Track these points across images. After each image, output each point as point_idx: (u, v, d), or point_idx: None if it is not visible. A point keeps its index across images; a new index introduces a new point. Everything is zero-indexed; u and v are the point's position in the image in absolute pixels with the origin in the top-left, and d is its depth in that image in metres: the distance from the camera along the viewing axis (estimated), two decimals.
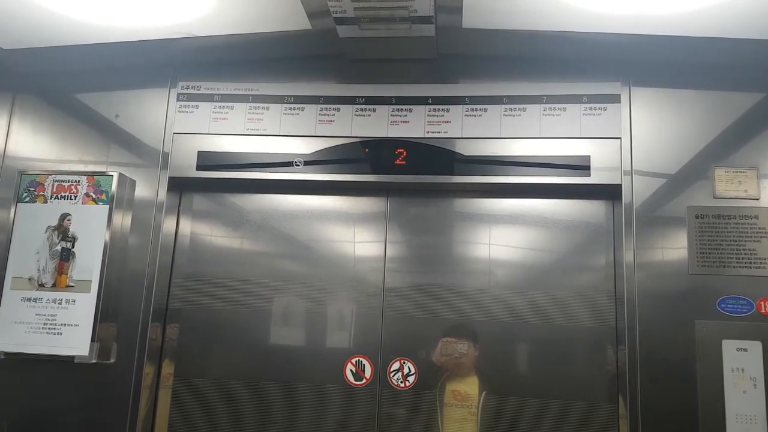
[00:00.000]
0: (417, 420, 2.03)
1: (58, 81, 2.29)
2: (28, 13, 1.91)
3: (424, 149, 2.08)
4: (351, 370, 2.06)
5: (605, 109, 2.03)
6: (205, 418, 2.09)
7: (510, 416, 1.99)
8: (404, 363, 2.05)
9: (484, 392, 2.02)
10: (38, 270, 2.08)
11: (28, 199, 2.14)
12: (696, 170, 1.96)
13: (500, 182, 2.04)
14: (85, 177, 2.13)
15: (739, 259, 1.88)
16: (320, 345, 2.13)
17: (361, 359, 2.07)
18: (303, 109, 2.16)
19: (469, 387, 2.03)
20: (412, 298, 2.10)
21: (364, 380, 2.05)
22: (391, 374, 2.05)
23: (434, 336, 2.07)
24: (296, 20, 1.91)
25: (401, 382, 2.04)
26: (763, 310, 1.83)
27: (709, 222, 1.91)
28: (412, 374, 2.04)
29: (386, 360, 2.06)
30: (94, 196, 2.11)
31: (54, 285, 2.07)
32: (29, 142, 2.26)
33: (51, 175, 2.15)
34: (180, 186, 2.23)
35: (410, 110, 2.11)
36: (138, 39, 2.06)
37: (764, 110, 1.97)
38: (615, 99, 2.04)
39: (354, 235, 2.19)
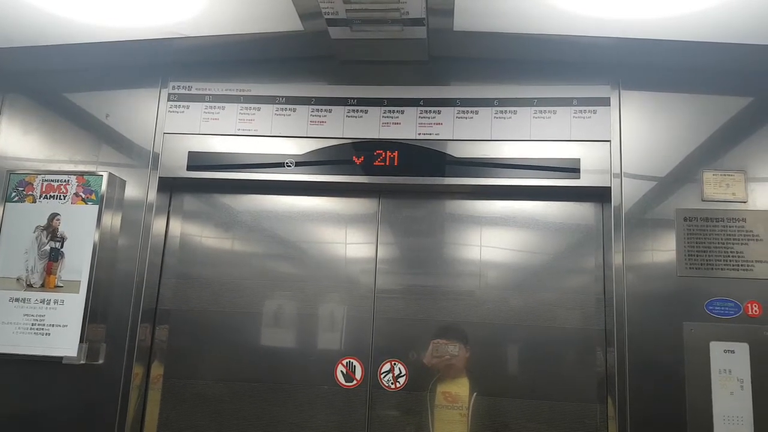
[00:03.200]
0: (407, 421, 2.03)
1: (48, 80, 2.28)
2: (18, 12, 1.90)
3: (416, 151, 2.08)
4: (342, 372, 2.06)
5: (595, 112, 2.05)
6: (194, 419, 2.08)
7: (500, 417, 1.99)
8: (395, 364, 2.05)
9: (474, 393, 2.02)
10: (27, 270, 2.07)
11: (16, 198, 2.13)
12: (684, 173, 1.97)
13: (491, 184, 2.05)
14: (75, 177, 2.12)
15: (726, 261, 1.90)
16: (311, 346, 2.13)
17: (351, 360, 2.07)
18: (295, 109, 2.16)
19: (460, 388, 2.03)
20: (403, 300, 2.11)
21: (355, 381, 2.05)
22: (382, 375, 2.05)
23: (425, 337, 2.07)
24: (288, 21, 1.91)
25: (392, 383, 2.04)
26: (750, 312, 1.85)
27: (697, 224, 1.93)
28: (403, 375, 2.04)
29: (377, 361, 2.06)
30: (83, 196, 2.10)
31: (42, 285, 2.05)
32: (18, 141, 2.25)
33: (40, 174, 2.14)
34: (170, 186, 2.22)
35: (402, 112, 2.12)
36: (129, 39, 2.05)
37: (752, 114, 1.99)
38: (605, 102, 2.05)
39: (345, 236, 2.19)
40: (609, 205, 1.99)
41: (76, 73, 2.27)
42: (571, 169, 2.01)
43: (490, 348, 2.06)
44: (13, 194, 2.13)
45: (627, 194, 1.98)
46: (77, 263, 2.04)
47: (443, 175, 2.06)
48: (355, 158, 2.09)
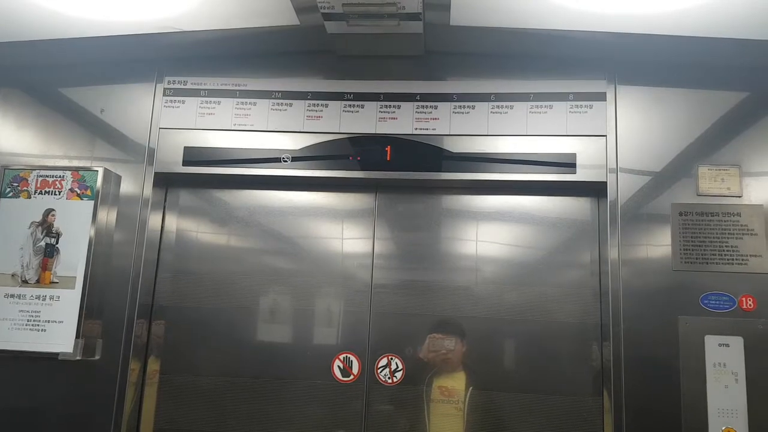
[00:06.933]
0: (404, 416, 2.04)
1: (43, 75, 2.26)
2: (13, 6, 1.88)
3: (412, 146, 2.08)
4: (338, 367, 2.06)
5: (591, 107, 2.05)
6: (191, 414, 2.08)
7: (496, 411, 2.00)
8: (392, 359, 2.06)
9: (470, 387, 2.03)
10: (22, 266, 2.06)
11: (11, 194, 2.12)
12: (680, 168, 1.98)
13: (487, 179, 2.05)
14: (70, 172, 2.11)
15: (721, 255, 1.91)
16: (308, 341, 2.13)
17: (348, 355, 2.07)
18: (291, 104, 2.15)
19: (456, 382, 2.04)
20: (399, 295, 2.11)
21: (352, 376, 2.06)
22: (379, 370, 2.05)
23: (422, 332, 2.08)
24: (284, 15, 1.90)
25: (389, 378, 2.05)
26: (744, 306, 1.86)
27: (692, 219, 1.94)
28: (400, 370, 2.05)
29: (374, 356, 2.06)
30: (78, 191, 2.09)
31: (38, 281, 2.05)
32: (13, 136, 2.23)
33: (35, 170, 2.13)
34: (166, 182, 2.21)
35: (398, 107, 2.12)
36: (124, 33, 2.04)
37: (747, 109, 2.00)
38: (601, 97, 2.06)
39: (342, 231, 2.19)
40: (605, 200, 2.00)
41: (70, 67, 2.25)
42: (567, 164, 2.01)
43: (487, 342, 2.06)
44: (8, 190, 2.12)
45: (623, 189, 1.98)
46: (73, 259, 2.04)
47: (440, 170, 2.06)
48: (351, 153, 2.09)
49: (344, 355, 2.07)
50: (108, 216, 2.10)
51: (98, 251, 2.05)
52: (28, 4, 1.87)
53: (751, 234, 1.91)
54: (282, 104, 2.15)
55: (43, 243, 2.07)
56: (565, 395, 1.98)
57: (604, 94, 2.06)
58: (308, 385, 2.07)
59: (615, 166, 2.00)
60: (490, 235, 2.15)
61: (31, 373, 2.02)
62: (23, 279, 2.05)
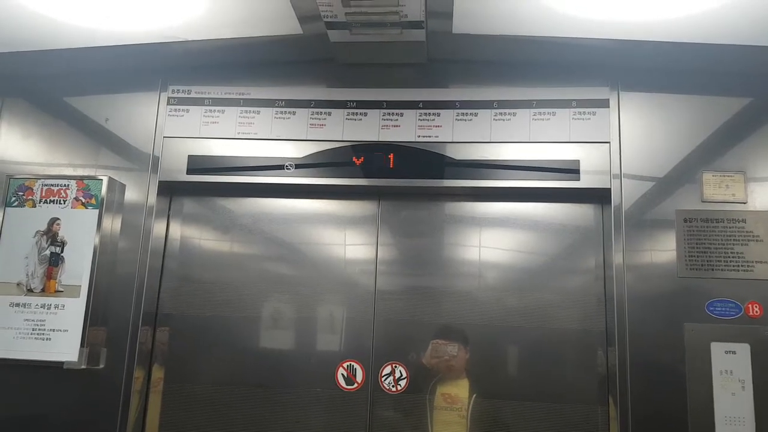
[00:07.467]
0: (408, 424, 2.02)
1: (48, 84, 2.28)
2: (18, 16, 1.90)
3: (415, 153, 2.09)
4: (342, 375, 2.06)
5: (594, 113, 2.05)
6: (195, 422, 2.08)
7: (500, 419, 1.99)
8: (396, 367, 2.05)
9: (474, 395, 2.02)
10: (27, 275, 2.07)
11: (16, 203, 2.13)
12: (684, 174, 1.98)
13: (490, 186, 2.05)
14: (75, 181, 2.12)
15: (727, 262, 1.90)
16: (311, 349, 2.13)
17: (352, 363, 2.06)
18: (294, 113, 2.16)
19: (460, 390, 2.03)
20: (403, 301, 2.11)
21: (356, 384, 2.05)
22: (383, 378, 2.04)
23: (425, 339, 2.07)
24: (287, 24, 1.91)
25: (393, 386, 2.04)
26: (751, 313, 1.85)
27: (697, 225, 1.93)
28: (404, 378, 2.04)
29: (378, 364, 2.05)
30: (83, 200, 2.10)
31: (43, 290, 2.05)
32: (18, 145, 2.25)
33: (40, 179, 2.14)
34: (170, 190, 2.22)
35: (401, 114, 2.12)
36: (128, 43, 2.05)
37: (751, 115, 1.99)
38: (604, 104, 2.06)
39: (345, 238, 2.19)
40: (609, 206, 2.00)
41: (75, 77, 2.27)
42: (571, 170, 2.01)
43: (491, 349, 2.05)
44: (13, 199, 2.13)
45: (627, 195, 1.98)
46: (77, 268, 2.04)
47: (443, 177, 2.06)
48: (354, 161, 2.10)
49: (348, 363, 2.06)
50: (112, 224, 2.11)
51: (103, 260, 2.06)
52: (33, 15, 1.89)
53: (757, 240, 1.90)
54: (285, 112, 2.16)
55: (48, 252, 2.08)
56: (570, 403, 1.97)
57: (607, 100, 2.06)
58: (312, 393, 2.06)
59: (619, 172, 1.99)
60: (494, 241, 2.15)
61: (35, 381, 2.02)
62: (28, 288, 2.06)
